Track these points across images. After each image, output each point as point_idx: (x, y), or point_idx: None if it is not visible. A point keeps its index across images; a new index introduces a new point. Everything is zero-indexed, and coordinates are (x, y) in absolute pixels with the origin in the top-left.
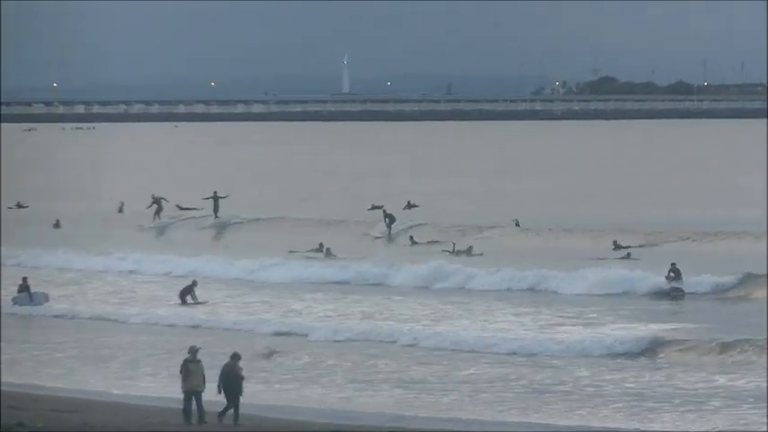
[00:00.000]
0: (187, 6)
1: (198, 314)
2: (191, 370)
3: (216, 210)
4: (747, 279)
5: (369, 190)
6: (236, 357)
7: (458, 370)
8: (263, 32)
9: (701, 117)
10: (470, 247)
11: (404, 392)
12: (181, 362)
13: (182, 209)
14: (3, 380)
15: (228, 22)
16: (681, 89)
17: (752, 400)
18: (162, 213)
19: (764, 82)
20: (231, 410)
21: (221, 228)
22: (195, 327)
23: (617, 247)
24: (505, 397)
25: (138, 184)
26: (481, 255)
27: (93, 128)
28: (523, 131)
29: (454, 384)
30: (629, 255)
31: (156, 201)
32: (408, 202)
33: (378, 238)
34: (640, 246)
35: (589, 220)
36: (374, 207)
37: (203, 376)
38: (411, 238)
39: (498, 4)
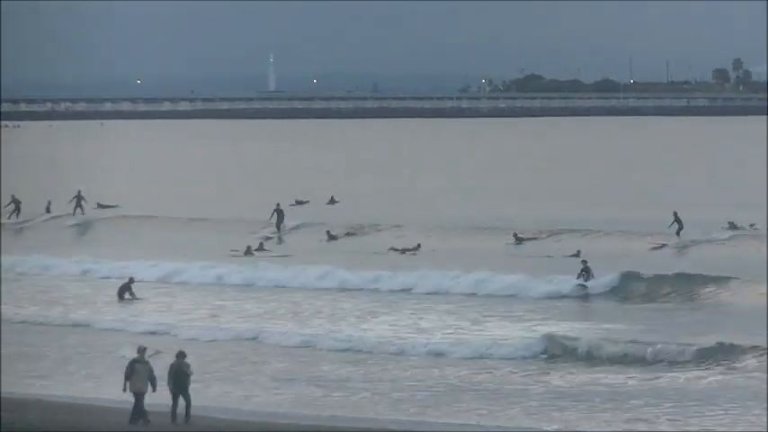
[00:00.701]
0: (185, 6)
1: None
2: (137, 370)
3: (78, 208)
4: (626, 277)
5: (295, 185)
6: (181, 356)
7: (380, 369)
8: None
9: (628, 114)
10: (418, 245)
11: (319, 391)
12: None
13: (101, 206)
14: None
15: (224, 21)
16: (607, 87)
17: (676, 397)
18: (19, 213)
19: (690, 80)
20: (183, 408)
21: (85, 226)
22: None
23: (517, 239)
24: (421, 396)
25: (59, 183)
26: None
27: (18, 126)
28: (451, 129)
29: (374, 384)
30: (578, 252)
31: (14, 201)
32: (332, 198)
33: (269, 238)
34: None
35: (517, 217)
36: (297, 202)
37: (151, 377)
38: (328, 232)
39: (424, 4)
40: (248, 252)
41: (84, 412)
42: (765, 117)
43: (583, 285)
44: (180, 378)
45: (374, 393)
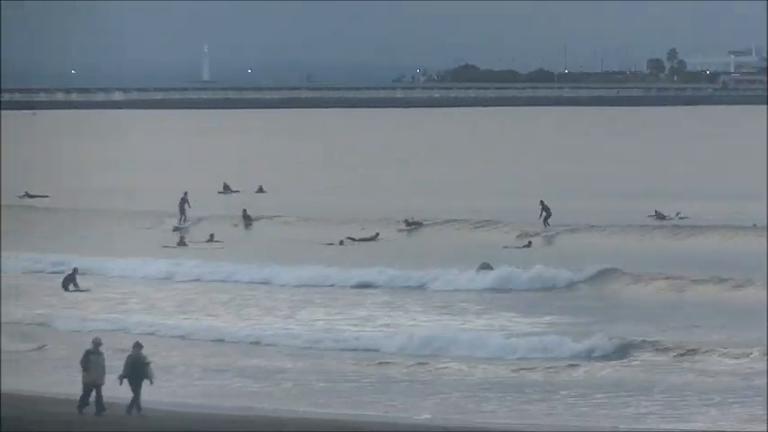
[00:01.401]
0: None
1: None
2: (92, 362)
3: None
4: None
5: (227, 176)
6: (138, 347)
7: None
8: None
9: (563, 105)
10: (377, 234)
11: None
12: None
13: (30, 196)
14: None
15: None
16: (541, 77)
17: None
18: None
19: (624, 70)
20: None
21: None
22: None
23: (408, 223)
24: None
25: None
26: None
27: None
28: (384, 119)
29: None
30: (530, 243)
31: None
32: (260, 187)
33: (177, 228)
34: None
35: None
36: (225, 188)
37: (104, 368)
38: (244, 211)
39: None
40: (181, 243)
41: (31, 403)
42: (701, 107)
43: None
44: (138, 369)
45: (297, 384)
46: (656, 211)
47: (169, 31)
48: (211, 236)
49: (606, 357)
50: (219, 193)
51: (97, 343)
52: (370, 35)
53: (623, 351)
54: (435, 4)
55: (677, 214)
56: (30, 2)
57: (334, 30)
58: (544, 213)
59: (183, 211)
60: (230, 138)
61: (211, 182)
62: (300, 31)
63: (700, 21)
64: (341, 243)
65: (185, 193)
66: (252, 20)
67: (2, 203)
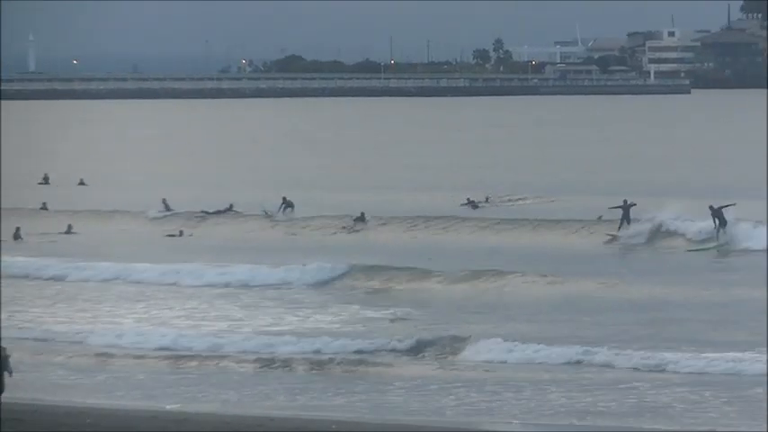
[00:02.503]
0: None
1: None
2: None
3: None
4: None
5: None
6: None
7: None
8: None
9: (389, 95)
10: (181, 232)
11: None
12: None
13: None
14: None
15: None
16: (368, 67)
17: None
18: None
19: (451, 60)
20: None
21: None
22: None
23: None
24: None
25: None
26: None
27: None
28: (210, 110)
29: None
30: (364, 215)
31: None
32: (81, 180)
33: None
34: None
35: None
36: (45, 180)
37: None
38: (44, 203)
39: None
40: (17, 236)
41: None
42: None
43: None
44: None
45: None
46: (467, 199)
47: None
48: (69, 226)
49: (401, 353)
50: (39, 184)
51: None
52: (197, 25)
53: (418, 347)
54: None
55: (487, 199)
56: None
57: (161, 19)
58: (284, 206)
59: None
60: (57, 129)
61: (33, 173)
62: (127, 22)
63: (524, 11)
64: (180, 234)
65: (86, 185)
66: (77, 8)
67: None
